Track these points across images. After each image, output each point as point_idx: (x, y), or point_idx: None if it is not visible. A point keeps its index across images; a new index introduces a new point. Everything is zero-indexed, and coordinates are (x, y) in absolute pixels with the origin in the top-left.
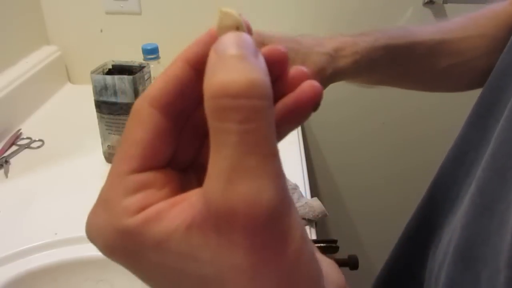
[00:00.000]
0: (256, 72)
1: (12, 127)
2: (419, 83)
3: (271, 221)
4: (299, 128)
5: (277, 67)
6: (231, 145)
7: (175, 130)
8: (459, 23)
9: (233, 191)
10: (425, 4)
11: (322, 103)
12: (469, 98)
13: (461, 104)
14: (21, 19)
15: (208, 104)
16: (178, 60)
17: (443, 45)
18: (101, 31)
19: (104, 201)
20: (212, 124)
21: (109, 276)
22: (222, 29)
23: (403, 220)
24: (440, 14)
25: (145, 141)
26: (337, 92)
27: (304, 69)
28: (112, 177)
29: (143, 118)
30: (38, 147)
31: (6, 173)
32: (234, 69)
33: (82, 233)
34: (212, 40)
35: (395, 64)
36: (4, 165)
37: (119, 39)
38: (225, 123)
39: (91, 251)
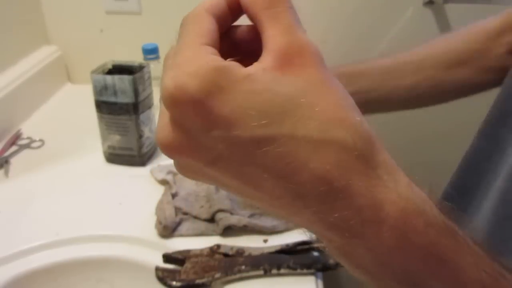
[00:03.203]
0: None
1: (12, 127)
2: (400, 102)
3: (320, 55)
4: None
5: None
6: (283, 11)
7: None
8: (427, 44)
9: (298, 35)
10: (425, 4)
11: None
12: (470, 98)
13: (463, 103)
14: (21, 19)
15: (262, 4)
16: None
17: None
18: (101, 31)
19: (193, 55)
20: (265, 12)
21: (109, 276)
22: None
23: None
24: (440, 14)
25: (212, 28)
26: None
27: None
28: (191, 45)
29: (206, 17)
30: (38, 147)
31: (6, 173)
32: None
33: (82, 233)
34: None
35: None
36: (4, 165)
37: (119, 39)
38: (277, 7)
39: (91, 251)
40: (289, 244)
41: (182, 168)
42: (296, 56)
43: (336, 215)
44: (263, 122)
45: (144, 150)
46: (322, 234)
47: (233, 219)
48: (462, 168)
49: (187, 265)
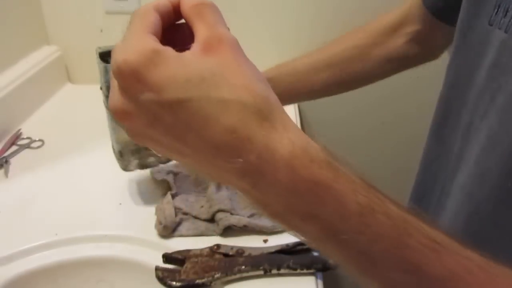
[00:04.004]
0: None
1: (12, 127)
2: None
3: (237, 43)
4: (299, 126)
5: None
6: (209, 13)
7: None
8: (338, 40)
9: (219, 30)
10: None
11: (321, 100)
12: None
13: None
14: (21, 19)
15: (193, 9)
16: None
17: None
18: (101, 31)
19: (137, 39)
20: (194, 15)
21: (109, 276)
22: None
23: None
24: None
25: (156, 22)
26: None
27: None
28: (138, 33)
29: (152, 13)
30: (38, 147)
31: (6, 173)
32: None
33: (82, 233)
34: None
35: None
36: (4, 165)
37: (119, 39)
38: (202, 9)
39: (91, 251)
40: (289, 244)
41: (130, 132)
42: (215, 43)
43: (241, 159)
44: (185, 86)
45: None
46: (237, 185)
47: (233, 219)
48: (420, 172)
49: (187, 265)
